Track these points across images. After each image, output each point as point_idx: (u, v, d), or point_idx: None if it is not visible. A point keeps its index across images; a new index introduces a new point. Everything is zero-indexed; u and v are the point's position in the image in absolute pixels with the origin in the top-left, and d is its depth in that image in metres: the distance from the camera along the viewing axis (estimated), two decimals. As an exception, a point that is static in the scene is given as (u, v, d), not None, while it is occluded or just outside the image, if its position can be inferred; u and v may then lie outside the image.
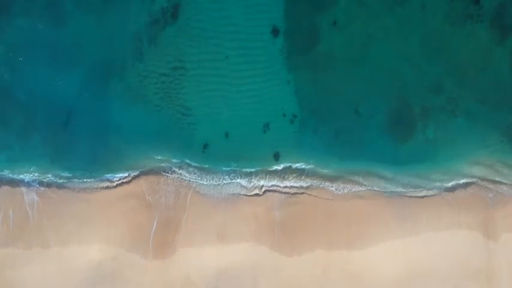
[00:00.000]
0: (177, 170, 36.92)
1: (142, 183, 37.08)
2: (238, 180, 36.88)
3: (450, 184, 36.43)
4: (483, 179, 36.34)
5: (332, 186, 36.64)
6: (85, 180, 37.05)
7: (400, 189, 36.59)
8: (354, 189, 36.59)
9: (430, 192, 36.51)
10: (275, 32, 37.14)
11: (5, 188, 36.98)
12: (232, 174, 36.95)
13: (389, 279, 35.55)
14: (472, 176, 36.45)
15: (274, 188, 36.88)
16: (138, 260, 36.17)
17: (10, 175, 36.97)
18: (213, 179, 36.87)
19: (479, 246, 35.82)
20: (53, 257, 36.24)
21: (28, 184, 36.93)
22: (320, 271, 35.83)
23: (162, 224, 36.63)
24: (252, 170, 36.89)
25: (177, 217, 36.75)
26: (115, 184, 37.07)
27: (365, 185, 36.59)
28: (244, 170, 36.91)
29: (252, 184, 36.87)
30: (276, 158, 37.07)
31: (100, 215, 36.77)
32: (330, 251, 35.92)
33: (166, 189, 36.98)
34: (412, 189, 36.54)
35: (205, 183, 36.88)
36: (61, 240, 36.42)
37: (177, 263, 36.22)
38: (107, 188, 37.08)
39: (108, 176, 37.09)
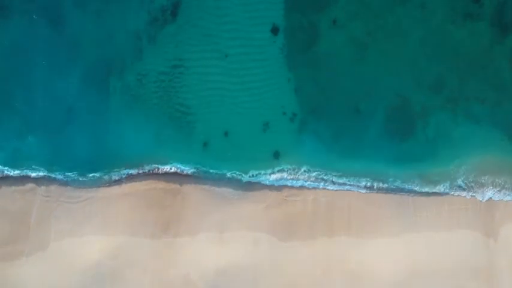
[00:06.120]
0: (176, 168, 36.80)
1: (142, 182, 36.98)
2: (237, 179, 36.75)
3: (450, 183, 36.41)
4: (483, 178, 36.33)
5: (332, 185, 36.57)
6: (84, 179, 36.90)
7: (399, 188, 36.54)
8: (353, 188, 36.54)
9: (430, 191, 36.46)
10: (275, 30, 37.08)
11: (5, 185, 36.85)
12: (232, 173, 36.83)
13: (389, 278, 35.49)
14: (472, 175, 36.43)
15: (274, 186, 36.79)
16: (138, 259, 36.07)
17: (10, 173, 36.84)
18: (212, 177, 36.74)
19: (479, 245, 35.79)
20: (52, 255, 36.11)
21: (28, 182, 36.82)
22: (320, 270, 35.77)
23: (161, 222, 36.54)
24: (252, 168, 36.77)
25: (176, 216, 36.64)
26: (114, 183, 36.95)
27: (365, 184, 36.52)
28: (244, 168, 36.79)
29: (251, 183, 36.77)
30: (276, 156, 36.98)
31: (99, 213, 36.67)
32: (330, 250, 35.86)
33: (165, 188, 36.88)
34: (411, 188, 36.48)
35: (204, 181, 36.76)
36: (60, 239, 36.31)
37: (177, 262, 36.13)
38: (106, 187, 36.95)
39: (108, 174, 36.92)
